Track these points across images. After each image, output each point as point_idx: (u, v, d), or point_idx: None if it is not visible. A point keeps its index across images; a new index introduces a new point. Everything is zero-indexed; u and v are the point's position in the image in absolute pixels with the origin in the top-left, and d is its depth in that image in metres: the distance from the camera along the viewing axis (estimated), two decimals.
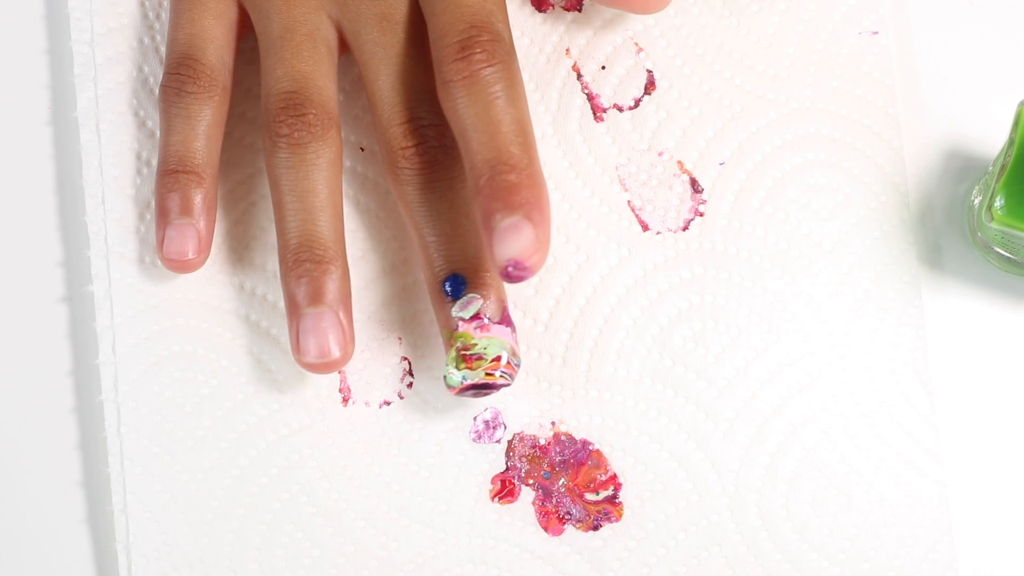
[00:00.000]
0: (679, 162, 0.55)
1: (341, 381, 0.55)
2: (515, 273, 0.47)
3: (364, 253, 0.55)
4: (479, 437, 0.54)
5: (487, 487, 0.54)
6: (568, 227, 0.55)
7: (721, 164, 0.55)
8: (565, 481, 0.54)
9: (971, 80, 0.56)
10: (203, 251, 0.53)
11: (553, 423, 0.54)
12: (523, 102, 0.49)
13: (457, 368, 0.51)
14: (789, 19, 0.55)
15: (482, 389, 0.51)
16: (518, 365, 0.52)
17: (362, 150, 0.56)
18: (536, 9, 0.56)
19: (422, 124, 0.51)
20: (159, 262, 0.55)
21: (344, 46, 0.53)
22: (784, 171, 0.55)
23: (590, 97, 0.56)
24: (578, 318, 0.54)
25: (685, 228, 0.55)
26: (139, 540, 0.54)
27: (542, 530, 0.54)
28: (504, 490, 0.54)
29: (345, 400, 0.55)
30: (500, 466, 0.54)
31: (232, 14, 0.54)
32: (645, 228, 0.55)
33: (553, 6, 0.56)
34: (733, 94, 0.55)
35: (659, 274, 0.54)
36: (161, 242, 0.53)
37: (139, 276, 0.55)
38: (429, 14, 0.51)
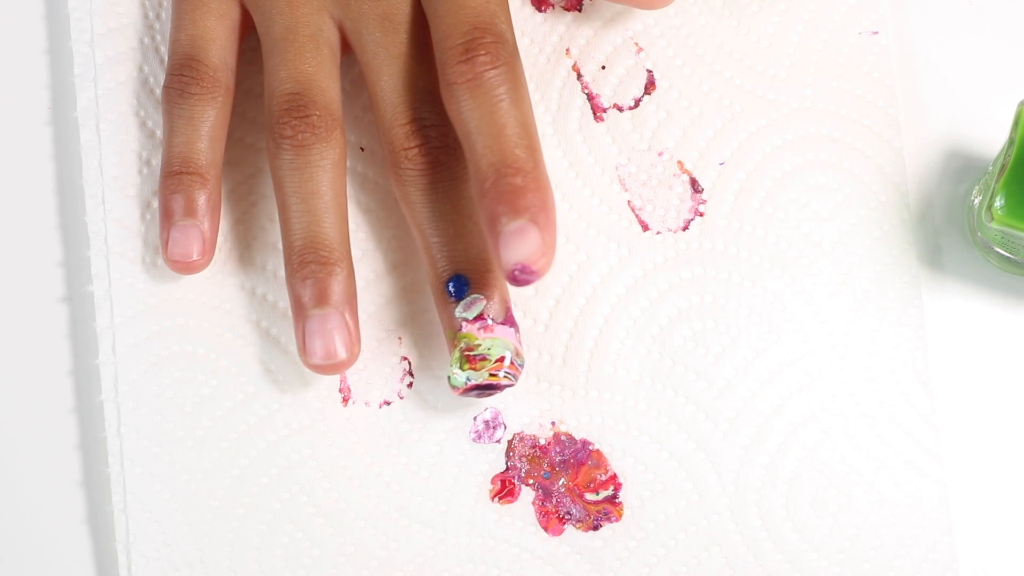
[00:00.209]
0: (679, 162, 0.55)
1: (341, 381, 0.55)
2: (522, 277, 0.47)
3: (364, 253, 0.55)
4: (479, 437, 0.54)
5: (487, 487, 0.54)
6: (568, 227, 0.55)
7: (721, 164, 0.55)
8: (565, 481, 0.54)
9: (971, 80, 0.56)
10: (207, 252, 0.53)
11: (553, 423, 0.54)
12: (527, 104, 0.49)
13: (461, 369, 0.51)
14: (789, 19, 0.55)
15: (486, 390, 0.51)
16: (522, 365, 0.52)
17: (362, 150, 0.56)
18: (536, 9, 0.56)
19: (424, 125, 0.51)
20: (159, 262, 0.55)
21: (346, 47, 0.53)
22: (784, 171, 0.55)
23: (590, 97, 0.56)
24: (578, 318, 0.54)
25: (685, 228, 0.55)
26: (139, 540, 0.54)
27: (542, 530, 0.54)
28: (504, 490, 0.54)
29: (345, 400, 0.55)
30: (500, 466, 0.54)
31: (235, 15, 0.54)
32: (645, 228, 0.55)
33: (553, 6, 0.56)
34: (733, 94, 0.55)
35: (659, 274, 0.54)
36: (165, 243, 0.53)
37: (139, 276, 0.55)
38: (432, 15, 0.51)
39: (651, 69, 0.56)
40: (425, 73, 0.52)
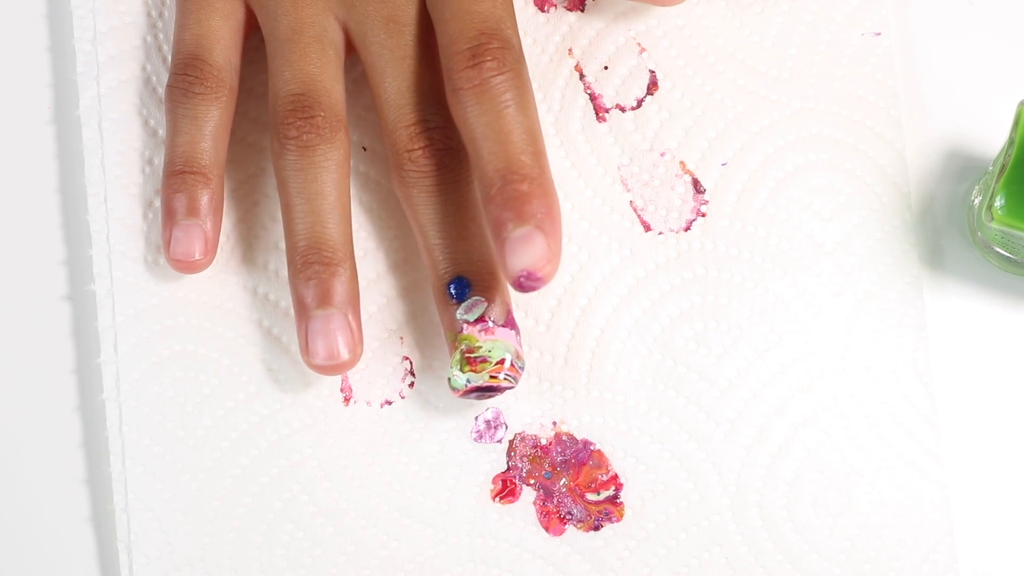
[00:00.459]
0: (681, 162, 0.55)
1: (342, 381, 0.55)
2: (527, 283, 0.47)
3: (366, 252, 0.55)
4: (480, 437, 0.54)
5: (488, 487, 0.54)
6: (570, 227, 0.55)
7: (723, 164, 0.55)
8: (566, 481, 0.54)
9: (972, 80, 0.56)
10: (210, 252, 0.53)
11: (554, 423, 0.54)
12: (533, 110, 0.49)
13: (461, 371, 0.51)
14: (792, 20, 0.55)
15: (486, 392, 0.51)
16: (522, 368, 0.52)
17: (364, 150, 0.56)
18: (539, 9, 0.56)
19: (428, 127, 0.51)
20: (161, 261, 0.55)
21: (350, 48, 0.53)
22: (786, 172, 0.55)
23: (592, 97, 0.56)
24: (580, 318, 0.54)
25: (687, 228, 0.55)
26: (140, 539, 0.54)
27: (543, 530, 0.54)
28: (505, 490, 0.54)
29: (346, 400, 0.55)
30: (501, 466, 0.54)
31: (239, 15, 0.53)
32: (647, 228, 0.55)
33: (556, 6, 0.56)
34: (735, 95, 0.55)
35: (661, 274, 0.54)
36: (168, 242, 0.53)
37: (141, 275, 0.55)
38: (438, 20, 0.50)
39: (654, 69, 0.56)
40: (429, 75, 0.52)
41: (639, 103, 0.55)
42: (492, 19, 0.50)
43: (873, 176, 0.55)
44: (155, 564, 0.54)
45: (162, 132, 0.56)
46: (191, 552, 0.54)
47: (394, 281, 0.55)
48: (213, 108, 0.53)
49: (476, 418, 0.54)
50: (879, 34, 0.55)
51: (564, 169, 0.55)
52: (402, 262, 0.55)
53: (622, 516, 0.54)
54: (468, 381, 0.51)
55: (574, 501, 0.54)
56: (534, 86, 0.56)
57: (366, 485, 0.54)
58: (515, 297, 0.54)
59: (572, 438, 0.54)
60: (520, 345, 0.52)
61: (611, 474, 0.54)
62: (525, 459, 0.54)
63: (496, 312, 0.52)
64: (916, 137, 0.55)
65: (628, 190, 0.55)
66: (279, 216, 0.55)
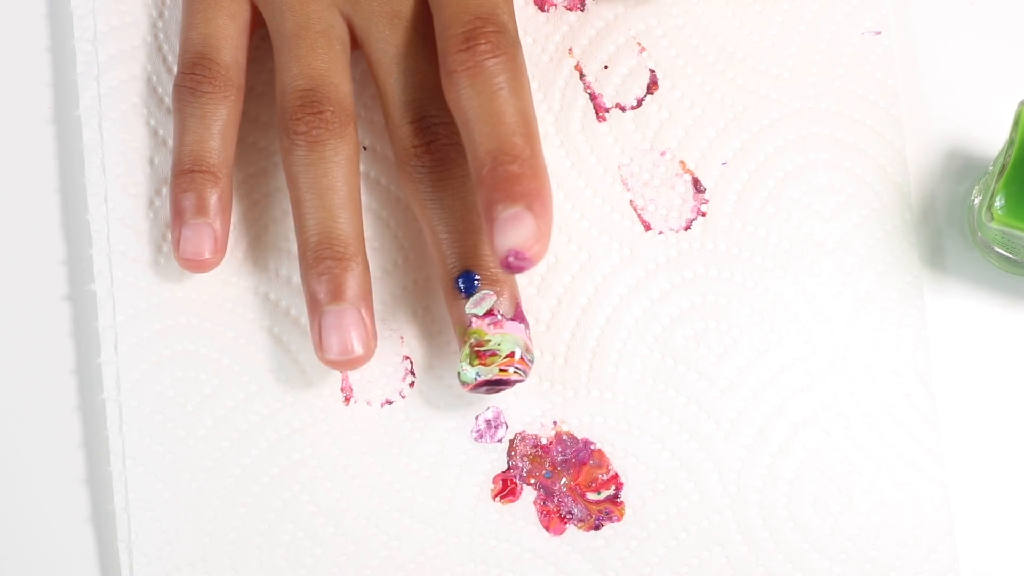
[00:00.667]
0: (681, 162, 0.55)
1: (343, 380, 0.55)
2: (515, 263, 0.47)
3: (366, 252, 0.55)
4: (481, 436, 0.54)
5: (488, 486, 0.54)
6: (570, 227, 0.55)
7: (723, 164, 0.55)
8: (567, 481, 0.54)
9: (972, 80, 0.56)
10: (219, 251, 0.53)
11: (555, 422, 0.54)
12: (527, 93, 0.49)
13: (471, 364, 0.51)
14: (792, 19, 0.55)
15: (496, 385, 0.51)
16: (532, 361, 0.52)
17: (364, 149, 0.56)
18: (539, 9, 0.56)
19: (434, 122, 0.51)
20: (162, 261, 0.55)
21: (354, 43, 0.53)
22: (786, 171, 0.55)
23: (592, 97, 0.56)
24: (580, 318, 0.54)
25: (687, 228, 0.55)
26: (141, 539, 0.54)
27: (543, 529, 0.54)
28: (506, 489, 0.54)
29: (347, 399, 0.55)
30: (502, 465, 0.54)
31: (246, 13, 0.54)
32: (647, 228, 0.55)
33: (556, 5, 0.56)
34: (735, 94, 0.55)
35: (661, 274, 0.54)
36: (177, 242, 0.53)
37: (141, 275, 0.55)
38: (435, 6, 0.51)
39: (654, 69, 0.56)
40: (434, 71, 0.52)
41: (639, 102, 0.55)
42: (488, 4, 0.50)
43: (873, 175, 0.55)
44: (155, 564, 0.54)
45: (162, 132, 0.56)
46: (192, 552, 0.54)
47: (395, 280, 0.55)
48: (221, 107, 0.53)
49: (476, 418, 0.54)
50: (879, 33, 0.55)
51: (564, 168, 0.55)
52: (403, 261, 0.55)
53: (622, 516, 0.54)
54: (478, 375, 0.51)
55: (574, 500, 0.54)
56: (534, 86, 0.56)
57: (367, 485, 0.54)
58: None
59: (572, 437, 0.54)
60: (530, 338, 0.52)
61: (611, 473, 0.54)
62: (525, 459, 0.54)
63: (505, 305, 0.52)
64: (916, 137, 0.55)
65: (628, 189, 0.55)
66: (279, 216, 0.55)
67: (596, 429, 0.54)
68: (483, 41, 0.49)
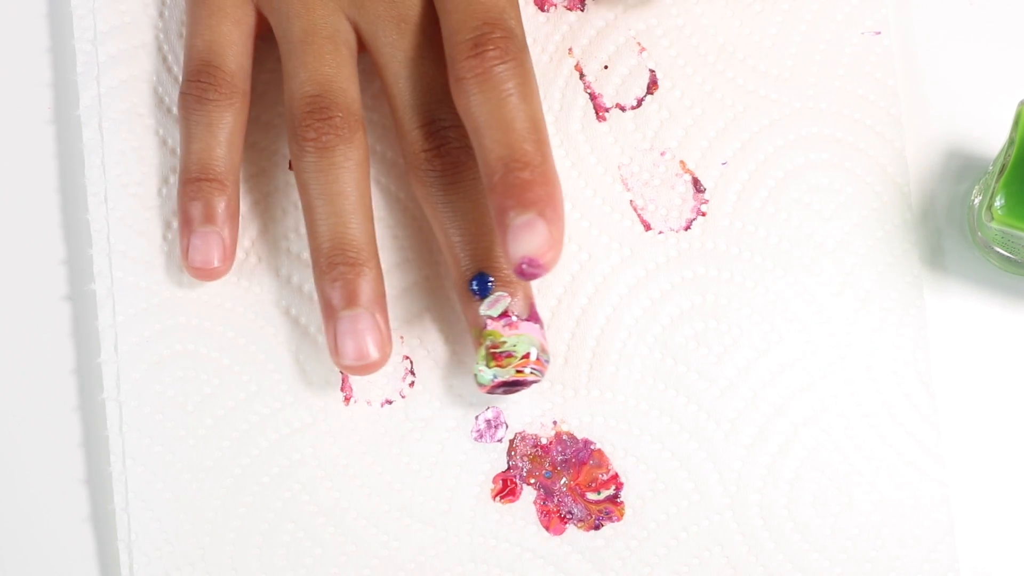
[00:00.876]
0: (681, 162, 0.55)
1: (343, 380, 0.55)
2: (529, 270, 0.47)
3: None
4: (481, 436, 0.54)
5: (488, 486, 0.54)
6: (570, 227, 0.55)
7: (723, 164, 0.55)
8: (567, 480, 0.54)
9: (972, 80, 0.56)
10: (228, 259, 0.53)
11: (555, 422, 0.54)
12: (536, 99, 0.49)
13: (487, 366, 0.51)
14: (792, 19, 0.55)
15: (512, 386, 0.51)
16: (547, 361, 0.52)
17: None
18: (539, 8, 0.56)
19: (443, 126, 0.51)
20: (161, 260, 0.55)
21: (361, 47, 0.53)
22: (786, 171, 0.55)
23: (592, 97, 0.56)
24: (580, 317, 0.54)
25: (687, 228, 0.55)
26: (141, 539, 0.54)
27: (543, 529, 0.54)
28: (505, 489, 0.54)
29: (347, 399, 0.55)
30: (502, 465, 0.54)
31: (250, 20, 0.53)
32: (647, 228, 0.55)
33: (556, 5, 0.56)
34: (735, 94, 0.55)
35: (661, 274, 0.54)
36: (186, 251, 0.53)
37: (141, 274, 0.55)
38: (442, 12, 0.51)
39: (653, 69, 0.56)
40: (442, 74, 0.52)
41: (639, 102, 0.55)
42: (495, 10, 0.50)
43: (873, 175, 0.55)
44: (155, 564, 0.54)
45: (162, 131, 0.56)
46: (191, 551, 0.54)
47: (395, 281, 0.55)
48: (227, 114, 0.53)
49: (476, 417, 0.54)
50: (879, 33, 0.55)
51: (564, 168, 0.55)
52: (403, 262, 0.55)
53: (622, 515, 0.54)
54: (494, 376, 0.51)
55: (574, 500, 0.54)
56: None
57: (367, 484, 0.54)
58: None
59: (572, 437, 0.54)
60: (545, 339, 0.52)
61: (611, 473, 0.54)
62: (525, 458, 0.54)
63: (519, 306, 0.52)
64: (916, 136, 0.55)
65: (628, 189, 0.55)
66: (279, 216, 0.55)
67: (596, 429, 0.54)
68: (492, 47, 0.49)
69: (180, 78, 0.55)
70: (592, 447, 0.54)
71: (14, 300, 0.57)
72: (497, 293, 0.51)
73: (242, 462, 0.54)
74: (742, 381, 0.54)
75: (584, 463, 0.54)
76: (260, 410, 0.54)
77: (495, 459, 0.54)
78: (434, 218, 0.52)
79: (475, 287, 0.51)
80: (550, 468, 0.54)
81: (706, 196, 0.55)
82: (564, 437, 0.54)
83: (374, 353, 0.51)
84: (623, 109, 0.55)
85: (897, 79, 0.55)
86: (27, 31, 0.58)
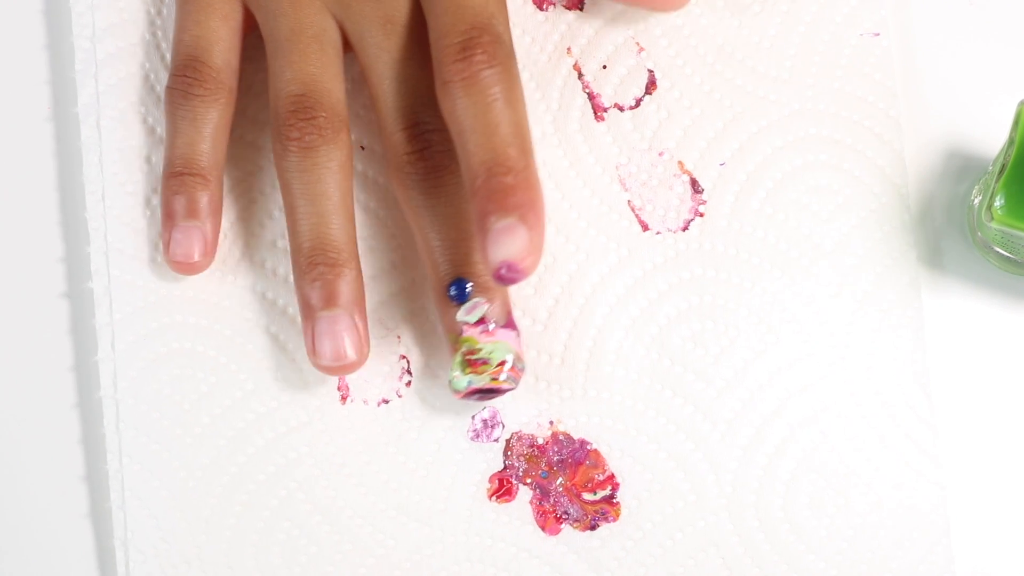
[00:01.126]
0: (679, 162, 0.55)
1: (340, 379, 0.55)
2: (508, 275, 0.47)
3: (363, 251, 0.55)
4: (477, 436, 0.54)
5: (485, 486, 0.54)
6: (568, 226, 0.55)
7: (722, 164, 0.55)
8: (563, 480, 0.54)
9: (972, 80, 0.55)
10: (209, 253, 0.53)
11: (551, 422, 0.54)
12: (522, 105, 0.49)
13: (463, 372, 0.51)
14: (791, 20, 0.55)
15: (487, 393, 0.51)
16: (523, 369, 0.52)
17: (362, 148, 0.56)
18: (537, 8, 0.56)
19: (427, 129, 0.51)
20: (159, 259, 0.55)
21: (347, 47, 0.53)
22: (785, 172, 0.55)
23: (591, 96, 0.56)
24: (577, 318, 0.54)
25: (685, 228, 0.55)
26: (137, 536, 0.54)
27: (539, 529, 0.54)
28: (502, 489, 0.54)
29: (343, 398, 0.55)
30: (498, 465, 0.54)
31: (238, 16, 0.53)
32: (645, 228, 0.55)
33: (554, 4, 0.56)
34: (734, 94, 0.55)
35: (658, 274, 0.54)
36: (167, 244, 0.53)
37: (139, 273, 0.55)
38: (430, 15, 0.50)
39: (652, 69, 0.56)
40: (427, 77, 0.51)
41: (637, 102, 0.55)
42: (483, 14, 0.50)
43: (872, 176, 0.55)
44: (151, 561, 0.54)
45: (160, 130, 0.56)
46: (187, 549, 0.54)
47: (392, 280, 0.55)
48: (212, 110, 0.53)
49: (473, 417, 0.54)
50: (878, 34, 0.55)
51: (562, 168, 0.55)
52: (400, 261, 0.55)
53: (618, 516, 0.54)
54: (470, 383, 0.51)
55: (570, 500, 0.54)
56: (532, 85, 0.55)
57: (363, 483, 0.54)
58: (513, 295, 0.54)
59: (569, 437, 0.54)
60: (520, 346, 0.52)
61: (607, 474, 0.54)
62: (522, 458, 0.54)
63: (496, 313, 0.52)
64: (916, 137, 0.55)
65: (626, 189, 0.55)
66: (276, 214, 0.55)
67: (592, 429, 0.54)
68: (479, 51, 0.49)
69: None
70: (588, 447, 0.54)
71: (12, 297, 0.57)
72: (475, 299, 0.51)
73: (238, 460, 0.54)
74: (739, 382, 0.54)
75: (580, 463, 0.54)
76: (256, 408, 0.54)
77: (491, 459, 0.54)
78: (414, 221, 0.52)
79: (453, 292, 0.51)
80: (546, 468, 0.54)
81: (704, 197, 0.55)
82: (560, 437, 0.54)
83: (351, 354, 0.51)
84: (621, 109, 0.55)
85: (896, 80, 0.55)
86: (25, 28, 0.58)
